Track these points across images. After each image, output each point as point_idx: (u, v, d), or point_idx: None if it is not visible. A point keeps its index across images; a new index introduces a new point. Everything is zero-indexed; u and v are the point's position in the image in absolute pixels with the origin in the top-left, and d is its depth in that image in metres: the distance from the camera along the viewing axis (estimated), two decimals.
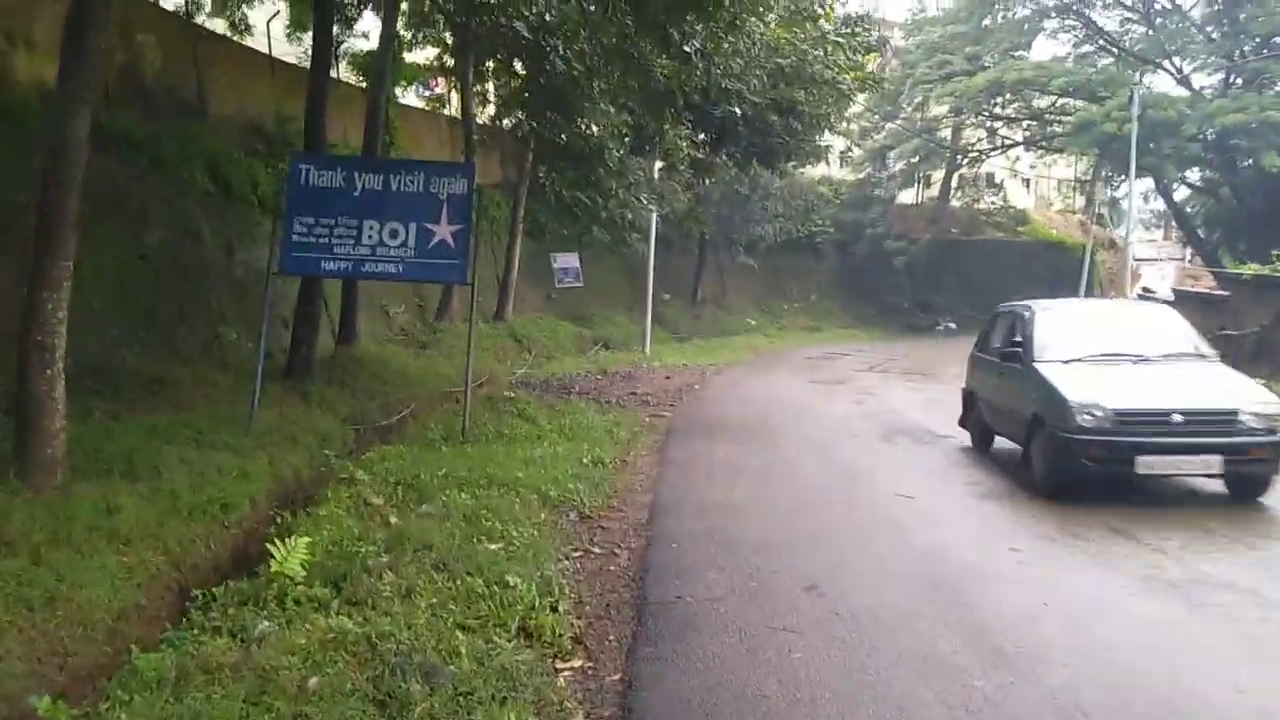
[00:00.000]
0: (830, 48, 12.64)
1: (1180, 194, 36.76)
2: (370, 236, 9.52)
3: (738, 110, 11.93)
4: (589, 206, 12.52)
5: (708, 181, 23.53)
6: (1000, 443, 9.74)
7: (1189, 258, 57.03)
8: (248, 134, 16.43)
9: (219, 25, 18.31)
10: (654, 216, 22.98)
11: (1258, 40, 29.54)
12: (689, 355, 24.36)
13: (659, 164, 14.82)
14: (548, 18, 10.13)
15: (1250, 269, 14.37)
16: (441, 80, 24.26)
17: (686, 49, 8.72)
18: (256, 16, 19.28)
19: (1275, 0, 28.81)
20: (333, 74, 14.08)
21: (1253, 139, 26.16)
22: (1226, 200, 32.56)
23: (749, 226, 31.23)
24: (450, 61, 20.64)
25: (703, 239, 31.36)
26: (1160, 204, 43.39)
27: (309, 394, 10.70)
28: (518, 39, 10.69)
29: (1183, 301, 17.88)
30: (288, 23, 20.20)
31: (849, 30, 13.40)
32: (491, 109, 21.24)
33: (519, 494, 6.93)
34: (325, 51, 11.58)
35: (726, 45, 9.39)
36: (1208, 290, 17.83)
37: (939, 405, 14.75)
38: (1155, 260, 48.86)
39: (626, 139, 12.62)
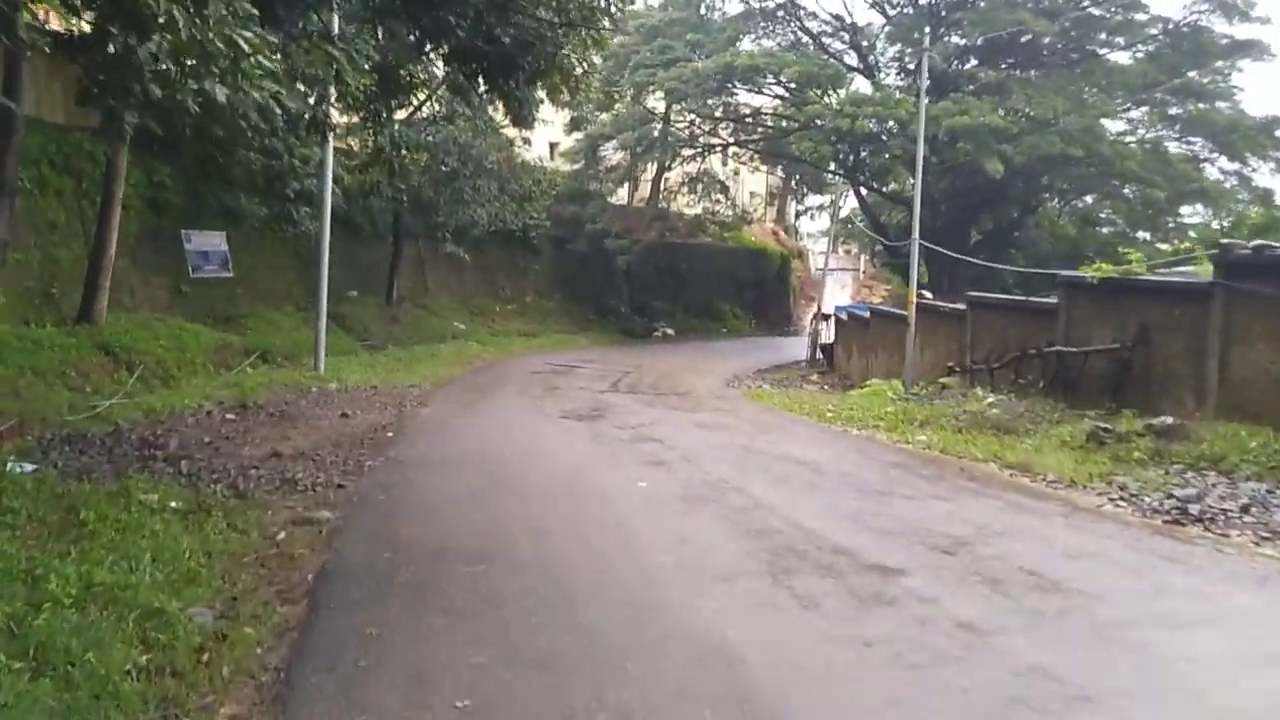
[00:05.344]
0: None
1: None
2: None
3: None
4: (138, 74, 5.13)
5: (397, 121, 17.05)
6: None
7: (864, 270, 60.73)
8: None
9: None
10: (329, 181, 16.81)
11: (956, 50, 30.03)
12: (382, 372, 18.42)
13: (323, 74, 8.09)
14: None
15: (1100, 269, 11.83)
16: None
17: None
18: None
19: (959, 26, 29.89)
20: None
21: (977, 143, 25.68)
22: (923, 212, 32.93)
23: (458, 209, 25.64)
24: None
25: (398, 224, 25.31)
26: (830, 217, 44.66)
27: None
28: None
29: (990, 310, 15.30)
30: None
31: None
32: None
33: None
34: None
35: None
36: (1023, 299, 15.51)
37: (773, 465, 9.99)
38: (837, 270, 50.91)
39: None
